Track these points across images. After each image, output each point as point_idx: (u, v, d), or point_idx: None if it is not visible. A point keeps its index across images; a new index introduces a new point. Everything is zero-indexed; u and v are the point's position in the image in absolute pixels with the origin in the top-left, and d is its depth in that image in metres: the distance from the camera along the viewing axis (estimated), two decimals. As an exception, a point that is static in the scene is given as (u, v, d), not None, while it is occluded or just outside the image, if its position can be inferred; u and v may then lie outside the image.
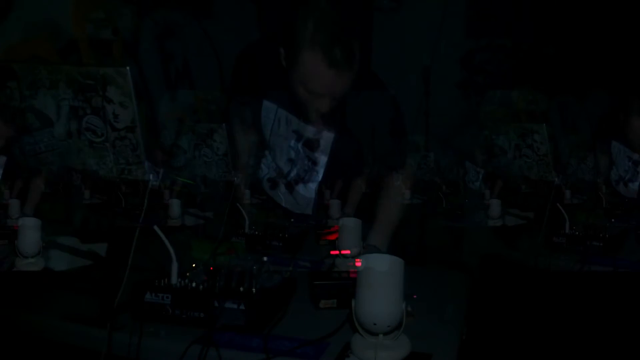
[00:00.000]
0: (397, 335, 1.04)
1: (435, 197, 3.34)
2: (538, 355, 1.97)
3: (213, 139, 1.92)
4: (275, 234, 1.90)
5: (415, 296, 1.24)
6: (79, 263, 1.64)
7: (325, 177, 1.94)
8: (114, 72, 1.04)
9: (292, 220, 2.02)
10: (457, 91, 4.57)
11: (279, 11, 1.68)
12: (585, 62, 3.85)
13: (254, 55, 1.85)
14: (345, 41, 1.48)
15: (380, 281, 1.01)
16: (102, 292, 1.21)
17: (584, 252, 1.90)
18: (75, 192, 2.52)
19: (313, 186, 1.96)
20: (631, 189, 2.71)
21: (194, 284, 1.19)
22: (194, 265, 1.30)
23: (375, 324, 1.01)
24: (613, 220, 2.26)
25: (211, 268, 1.28)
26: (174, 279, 1.20)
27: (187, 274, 1.24)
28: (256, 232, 1.92)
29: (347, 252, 1.58)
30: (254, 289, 1.17)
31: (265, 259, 1.32)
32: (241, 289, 1.17)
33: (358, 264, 1.03)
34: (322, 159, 1.89)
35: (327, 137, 1.84)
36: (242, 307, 1.12)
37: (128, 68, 1.04)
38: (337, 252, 1.61)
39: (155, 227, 1.16)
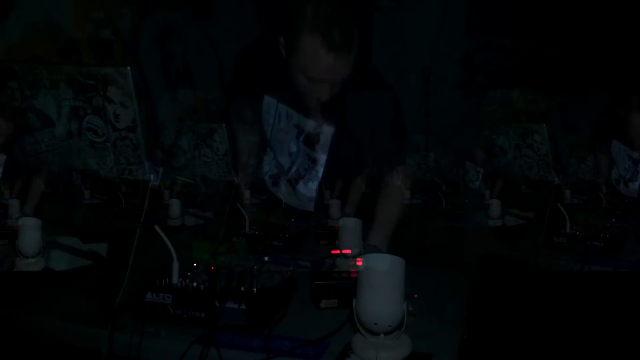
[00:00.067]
0: (398, 335, 1.04)
1: (435, 197, 3.34)
2: (538, 355, 1.97)
3: (213, 139, 1.92)
4: (276, 234, 1.90)
5: (415, 295, 1.24)
6: (79, 263, 1.64)
7: (325, 177, 1.94)
8: (114, 72, 1.04)
9: (293, 220, 2.02)
10: (457, 91, 4.57)
11: (279, 11, 1.68)
12: (585, 62, 3.85)
13: (254, 54, 1.86)
14: (344, 25, 1.48)
15: (381, 281, 1.01)
16: (103, 292, 1.20)
17: (584, 252, 1.90)
18: (76, 192, 2.51)
19: (313, 185, 1.96)
20: (631, 188, 2.71)
21: (194, 284, 1.19)
22: (194, 265, 1.30)
23: (376, 324, 1.01)
24: (613, 220, 2.26)
25: (212, 268, 1.28)
26: (175, 279, 1.20)
27: (188, 274, 1.24)
28: (256, 232, 1.92)
29: (348, 251, 1.58)
30: (254, 289, 1.17)
31: (265, 258, 1.32)
32: (242, 288, 1.17)
33: (359, 263, 1.03)
34: (322, 158, 1.89)
35: (327, 131, 1.84)
36: (242, 307, 1.12)
37: (128, 68, 1.04)
38: (337, 251, 1.62)
39: (157, 227, 1.16)
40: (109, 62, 2.85)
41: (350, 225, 1.61)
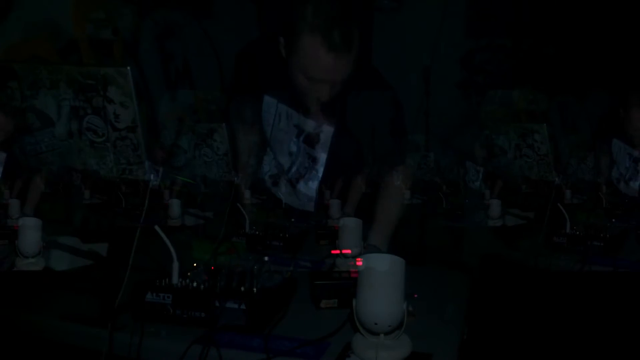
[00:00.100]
0: (398, 335, 1.04)
1: (435, 197, 3.34)
2: (538, 355, 1.97)
3: (213, 139, 1.92)
4: (276, 233, 1.90)
5: (415, 295, 1.24)
6: (79, 263, 1.64)
7: (325, 177, 1.94)
8: (114, 72, 1.04)
9: (293, 220, 2.02)
10: (457, 91, 4.57)
11: (279, 11, 1.68)
12: (585, 62, 3.85)
13: (254, 54, 1.86)
14: (344, 25, 1.48)
15: (381, 281, 1.01)
16: (103, 292, 1.20)
17: (584, 252, 1.90)
18: (76, 192, 2.51)
19: (313, 185, 1.96)
20: (632, 187, 2.71)
21: (194, 284, 1.19)
22: (195, 265, 1.30)
23: (376, 324, 1.01)
24: (613, 220, 2.26)
25: (212, 268, 1.28)
26: (175, 279, 1.20)
27: (188, 274, 1.24)
28: (257, 232, 1.92)
29: (348, 251, 1.58)
30: (254, 289, 1.17)
31: (265, 258, 1.32)
32: (242, 288, 1.17)
33: (359, 263, 1.03)
34: (322, 157, 1.88)
35: (327, 131, 1.84)
36: (242, 307, 1.12)
37: (129, 68, 1.04)
38: (337, 251, 1.61)
39: (157, 227, 1.16)
40: (109, 62, 2.85)
41: (350, 225, 1.61)
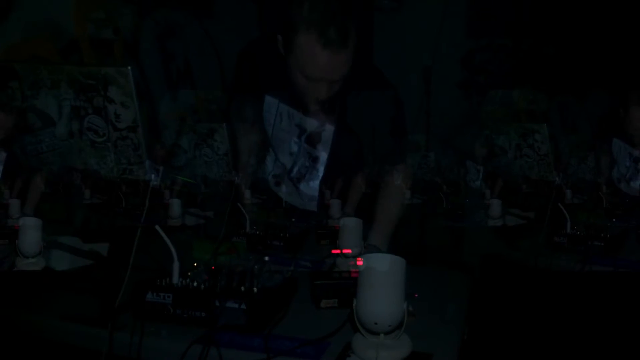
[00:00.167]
0: (398, 335, 1.04)
1: (435, 197, 3.34)
2: (538, 355, 1.97)
3: (214, 139, 1.92)
4: (276, 233, 1.90)
5: (416, 295, 1.24)
6: (80, 263, 1.64)
7: (326, 176, 1.94)
8: (115, 72, 1.04)
9: (293, 220, 2.02)
10: (457, 91, 4.57)
11: (280, 11, 1.68)
12: (585, 62, 3.85)
13: (256, 53, 1.85)
14: (339, 21, 1.47)
15: (381, 281, 1.01)
16: (103, 291, 1.20)
17: (585, 252, 1.89)
18: (76, 192, 2.52)
19: (315, 184, 1.96)
20: (632, 187, 2.71)
21: (195, 284, 1.19)
22: (195, 265, 1.30)
23: (376, 324, 1.01)
24: (614, 220, 2.26)
25: (212, 268, 1.28)
26: (175, 279, 1.20)
27: (189, 274, 1.24)
28: (257, 232, 1.92)
29: (349, 251, 1.58)
30: (255, 289, 1.17)
31: (266, 258, 1.32)
32: (242, 288, 1.17)
33: (360, 263, 1.03)
34: (323, 156, 1.88)
35: (328, 129, 1.84)
36: (243, 306, 1.12)
37: (129, 68, 1.04)
38: (338, 251, 1.61)
39: (157, 227, 1.16)
40: (110, 62, 2.85)
41: (350, 225, 1.61)
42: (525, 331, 2.00)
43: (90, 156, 1.13)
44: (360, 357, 1.03)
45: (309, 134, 1.87)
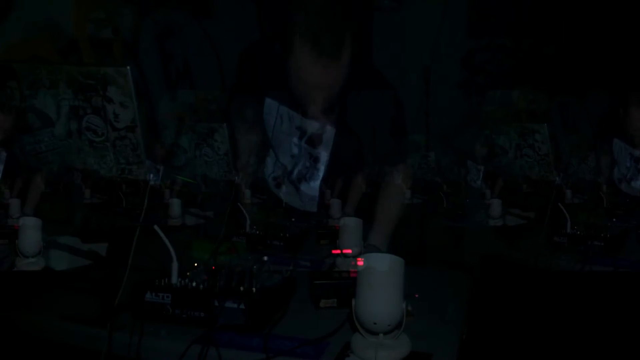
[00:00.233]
0: (398, 335, 1.04)
1: (436, 197, 3.34)
2: (538, 355, 1.97)
3: (214, 139, 1.92)
4: (276, 233, 1.90)
5: (417, 295, 1.24)
6: (79, 263, 1.64)
7: (326, 176, 1.94)
8: (114, 72, 1.04)
9: (293, 219, 2.02)
10: (457, 91, 4.57)
11: (280, 11, 1.68)
12: (585, 62, 3.85)
13: (257, 54, 1.86)
14: (335, 32, 1.47)
15: (380, 281, 1.01)
16: (103, 291, 1.20)
17: (585, 251, 1.89)
18: (76, 191, 2.52)
19: (315, 185, 1.96)
20: (633, 187, 2.71)
21: (194, 284, 1.18)
22: (195, 264, 1.30)
23: (375, 324, 1.01)
24: (614, 220, 2.25)
25: (212, 267, 1.28)
26: (175, 279, 1.20)
27: (188, 274, 1.24)
28: (257, 232, 1.92)
29: (349, 251, 1.58)
30: (254, 289, 1.17)
31: (265, 258, 1.32)
32: (241, 288, 1.17)
33: (360, 262, 1.03)
34: (324, 156, 1.88)
35: (329, 131, 1.84)
36: (242, 306, 1.12)
37: (128, 68, 1.04)
38: (338, 251, 1.61)
39: (156, 227, 1.16)
40: (109, 61, 2.85)
41: (350, 224, 1.61)
42: (525, 331, 2.00)
43: (89, 156, 1.13)
44: (360, 357, 1.03)
45: (309, 136, 1.87)
